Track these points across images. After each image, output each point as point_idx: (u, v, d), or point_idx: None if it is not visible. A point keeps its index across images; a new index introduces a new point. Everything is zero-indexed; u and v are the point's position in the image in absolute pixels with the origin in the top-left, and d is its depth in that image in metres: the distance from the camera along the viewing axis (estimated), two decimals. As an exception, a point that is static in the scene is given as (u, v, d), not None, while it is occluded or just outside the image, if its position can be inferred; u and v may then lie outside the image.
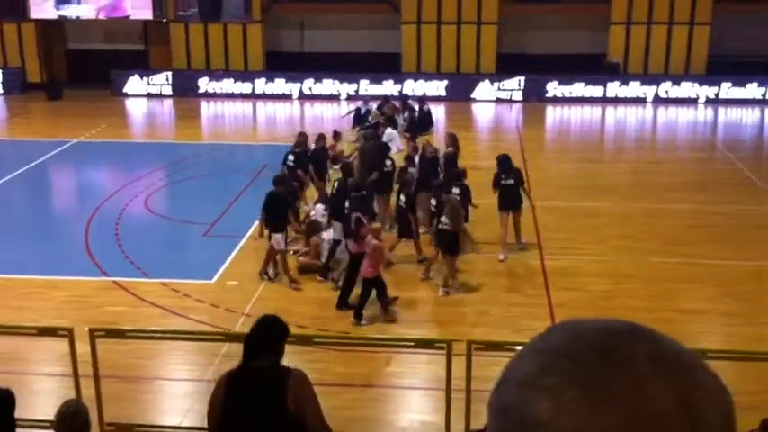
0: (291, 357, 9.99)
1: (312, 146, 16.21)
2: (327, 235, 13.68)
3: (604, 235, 14.95)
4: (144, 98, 27.32)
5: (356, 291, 11.99)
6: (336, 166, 16.19)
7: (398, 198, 13.84)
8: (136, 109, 26.76)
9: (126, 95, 27.35)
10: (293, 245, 14.18)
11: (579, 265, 13.71)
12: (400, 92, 25.64)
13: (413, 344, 9.20)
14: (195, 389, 10.26)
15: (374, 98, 24.19)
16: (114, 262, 13.81)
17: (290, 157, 15.76)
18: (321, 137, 16.32)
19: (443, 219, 12.53)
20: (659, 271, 13.37)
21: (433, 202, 13.61)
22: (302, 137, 16.26)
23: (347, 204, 12.89)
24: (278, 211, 13.08)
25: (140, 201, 17.07)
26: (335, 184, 14.08)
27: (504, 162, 14.07)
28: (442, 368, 8.55)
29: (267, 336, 5.23)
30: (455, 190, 13.65)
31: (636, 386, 0.87)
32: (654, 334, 0.95)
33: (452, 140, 15.84)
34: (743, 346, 10.75)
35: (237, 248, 14.37)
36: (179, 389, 10.45)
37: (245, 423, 5.12)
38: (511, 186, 13.89)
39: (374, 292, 11.69)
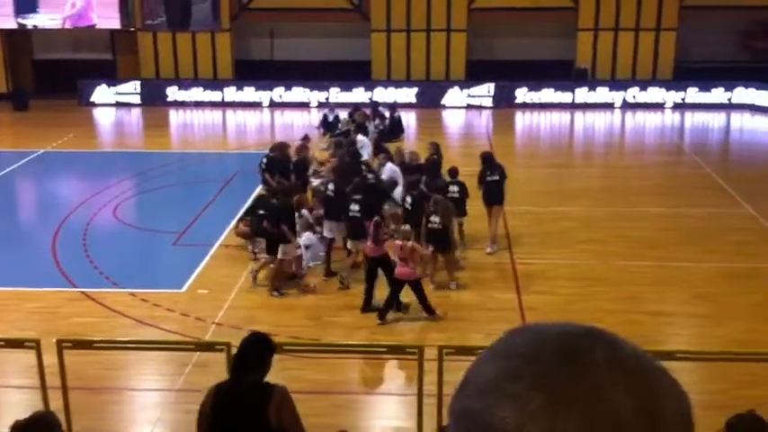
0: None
1: (294, 157, 16.17)
2: (299, 243, 13.61)
3: (574, 239, 15.04)
4: (112, 107, 27.11)
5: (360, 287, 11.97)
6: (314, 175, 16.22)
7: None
8: (104, 118, 26.54)
9: (93, 105, 27.12)
10: (264, 253, 14.11)
11: (550, 269, 13.77)
12: (371, 99, 25.67)
13: (384, 350, 9.19)
14: (165, 399, 10.17)
15: (341, 105, 24.21)
16: (83, 272, 13.66)
17: (264, 160, 15.84)
18: (304, 147, 16.35)
19: (433, 218, 12.56)
20: (629, 274, 13.47)
21: (409, 199, 13.59)
22: (281, 146, 16.17)
23: (350, 206, 13.10)
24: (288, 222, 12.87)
25: (109, 210, 16.91)
26: (331, 186, 13.98)
27: (488, 159, 14.70)
28: (413, 373, 8.55)
29: (254, 352, 5.58)
30: (453, 188, 13.98)
31: (596, 392, 0.87)
32: (614, 339, 0.95)
33: (436, 148, 15.95)
34: (712, 347, 10.85)
35: (208, 257, 14.28)
36: (149, 399, 10.34)
37: None
38: (496, 182, 14.37)
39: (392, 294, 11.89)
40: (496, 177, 14.39)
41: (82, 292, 12.89)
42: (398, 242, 11.85)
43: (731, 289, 12.90)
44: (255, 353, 5.61)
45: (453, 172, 14.46)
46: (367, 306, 12.08)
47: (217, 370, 9.25)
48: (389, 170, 15.37)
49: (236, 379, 5.56)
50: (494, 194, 14.29)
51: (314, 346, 10.64)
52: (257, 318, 11.95)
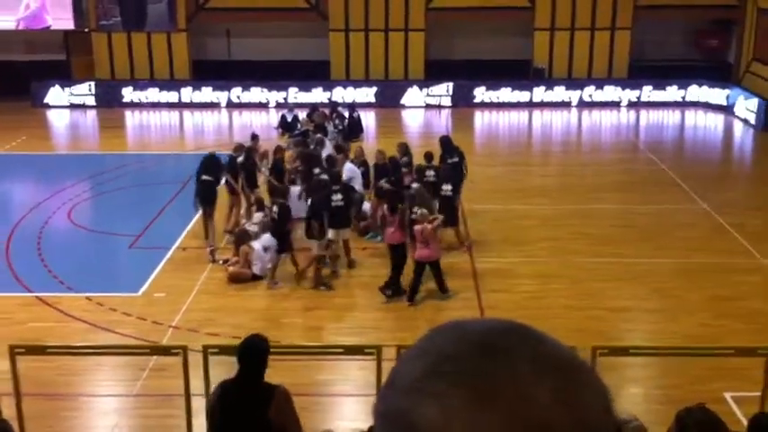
0: (218, 368, 9.86)
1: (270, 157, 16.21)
2: (258, 244, 13.52)
3: (533, 237, 15.14)
4: (66, 109, 26.68)
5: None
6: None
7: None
8: (58, 120, 26.11)
9: (47, 106, 26.67)
10: (223, 255, 14.00)
11: (509, 267, 13.84)
12: (329, 99, 25.60)
13: (342, 350, 9.15)
14: (122, 404, 10.03)
15: (299, 105, 24.11)
16: (37, 277, 13.43)
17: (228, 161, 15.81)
18: (279, 148, 16.39)
19: (416, 209, 12.53)
20: (586, 271, 13.60)
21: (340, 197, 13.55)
22: (240, 148, 15.95)
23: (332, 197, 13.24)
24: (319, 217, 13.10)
25: (63, 213, 16.64)
26: (324, 176, 13.98)
27: (446, 143, 15.71)
28: (372, 374, 8.52)
29: (256, 352, 5.94)
30: (429, 172, 14.36)
31: (518, 387, 0.87)
32: (537, 334, 0.94)
33: (405, 149, 16.00)
34: (668, 342, 11.01)
35: (165, 260, 14.11)
36: (105, 405, 10.18)
37: (233, 430, 5.87)
38: (456, 164, 15.04)
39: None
40: (456, 159, 15.07)
41: (37, 297, 12.67)
42: (419, 226, 12.13)
43: (686, 284, 13.08)
44: (257, 353, 5.93)
45: (429, 156, 14.84)
46: (393, 289, 12.48)
47: (174, 374, 9.14)
48: (348, 170, 15.39)
49: (240, 378, 5.90)
50: (455, 177, 14.71)
51: (272, 348, 10.56)
52: (215, 320, 11.85)
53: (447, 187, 13.98)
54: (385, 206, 13.35)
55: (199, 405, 8.63)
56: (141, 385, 10.10)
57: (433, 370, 0.89)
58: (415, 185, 13.78)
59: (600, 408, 0.91)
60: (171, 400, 9.53)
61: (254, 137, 17.81)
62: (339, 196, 13.29)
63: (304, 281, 13.21)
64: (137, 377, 10.19)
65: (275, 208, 13.54)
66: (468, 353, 0.90)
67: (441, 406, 0.86)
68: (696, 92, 26.38)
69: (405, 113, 26.29)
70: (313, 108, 22.66)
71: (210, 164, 14.98)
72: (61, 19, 26.84)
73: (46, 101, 26.76)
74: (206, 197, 14.49)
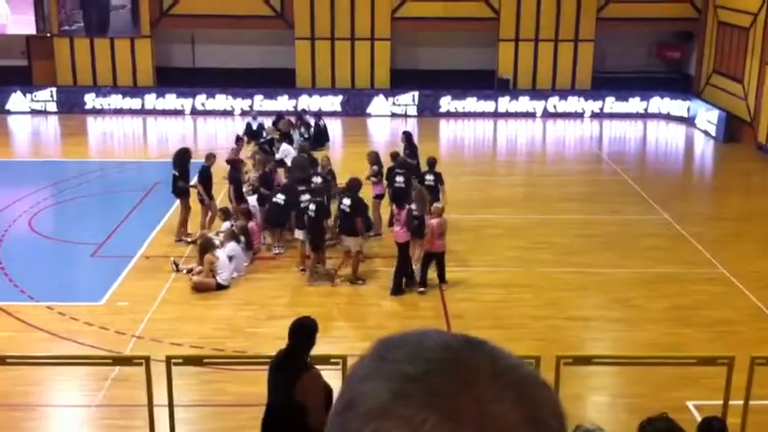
0: (185, 378, 9.78)
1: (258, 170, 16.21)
2: (222, 253, 13.43)
3: (498, 246, 15.22)
4: (27, 115, 26.30)
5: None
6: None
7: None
8: (18, 126, 25.70)
9: (8, 112, 26.26)
10: (187, 264, 13.89)
11: (474, 276, 13.90)
12: (295, 107, 25.54)
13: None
14: (84, 414, 9.89)
15: (265, 113, 24.01)
16: (-4, 286, 13.20)
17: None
18: (269, 160, 16.43)
19: (412, 206, 13.26)
20: (550, 280, 13.70)
21: (347, 201, 13.61)
22: (211, 157, 15.78)
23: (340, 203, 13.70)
24: (361, 213, 13.44)
25: (24, 221, 16.38)
26: (347, 201, 13.80)
27: (410, 137, 17.39)
28: (338, 384, 8.49)
29: (299, 330, 6.75)
30: (429, 176, 15.17)
31: (484, 406, 0.88)
32: (493, 349, 0.95)
33: (376, 158, 16.01)
34: (629, 351, 11.12)
35: (128, 268, 13.95)
36: (67, 415, 10.03)
37: (271, 396, 6.98)
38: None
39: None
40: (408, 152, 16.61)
41: (-5, 307, 12.44)
42: (435, 220, 12.78)
43: (648, 293, 13.23)
44: (302, 331, 6.75)
45: (432, 163, 15.55)
46: (400, 287, 12.98)
47: (137, 384, 9.04)
48: (284, 150, 16.15)
49: (286, 350, 6.85)
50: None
51: (237, 358, 10.50)
52: (179, 330, 11.74)
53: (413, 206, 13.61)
54: (394, 205, 13.83)
55: (161, 415, 8.55)
56: (104, 395, 9.97)
57: (400, 392, 0.88)
58: (416, 185, 14.48)
59: (558, 422, 0.93)
60: (134, 411, 9.43)
61: (239, 139, 18.04)
62: (348, 202, 13.38)
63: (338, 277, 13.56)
64: (99, 387, 10.06)
65: (312, 206, 13.49)
66: (433, 374, 0.90)
67: (411, 429, 0.86)
68: (658, 103, 26.76)
69: (371, 122, 26.32)
70: (278, 116, 22.60)
71: (177, 159, 15.42)
72: (23, 24, 26.48)
73: (7, 107, 26.37)
74: (172, 191, 15.39)
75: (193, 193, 15.47)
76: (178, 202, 15.57)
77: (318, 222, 13.45)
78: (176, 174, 15.25)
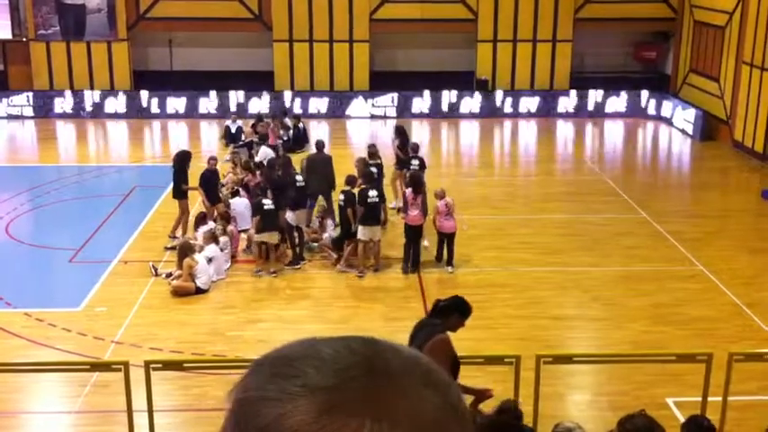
0: (165, 383, 9.71)
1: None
2: (201, 257, 13.37)
3: (479, 246, 15.24)
4: (3, 120, 26.06)
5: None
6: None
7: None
8: (-5, 132, 25.47)
9: (-16, 118, 26.02)
10: (166, 268, 13.81)
11: (455, 277, 13.92)
12: (275, 109, 25.47)
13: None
14: (64, 421, 9.80)
15: (241, 116, 23.90)
16: (-27, 293, 13.06)
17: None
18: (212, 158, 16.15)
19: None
20: (531, 280, 13.74)
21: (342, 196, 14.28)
22: (212, 160, 15.73)
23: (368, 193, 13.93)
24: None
25: (1, 227, 16.23)
26: (373, 192, 14.16)
27: (403, 131, 17.84)
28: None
29: (444, 306, 7.41)
30: (414, 161, 16.14)
31: (411, 400, 0.88)
32: (390, 344, 0.95)
33: (365, 164, 15.99)
34: (610, 350, 11.17)
35: (106, 273, 13.84)
36: (45, 422, 9.93)
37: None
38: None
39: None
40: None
41: (-28, 314, 12.31)
42: (441, 201, 13.77)
43: (628, 292, 13.30)
44: (444, 307, 7.39)
45: (416, 148, 16.85)
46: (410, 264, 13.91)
47: (117, 390, 8.97)
48: (263, 152, 16.84)
49: (426, 317, 7.61)
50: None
51: (217, 362, 10.44)
52: (158, 335, 11.67)
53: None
54: (409, 190, 14.10)
55: (141, 421, 8.49)
56: (83, 402, 9.88)
57: (324, 406, 0.85)
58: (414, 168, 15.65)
59: (464, 405, 0.95)
60: (113, 417, 9.36)
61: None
62: (375, 192, 13.83)
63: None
64: (78, 394, 9.97)
65: (342, 195, 14.12)
66: (348, 379, 0.88)
67: None
68: (635, 103, 26.92)
69: (350, 124, 26.29)
70: (257, 119, 22.52)
71: (177, 161, 15.53)
72: (-2, 28, 26.26)
73: (-18, 112, 26.11)
74: (173, 193, 15.55)
75: (194, 195, 15.46)
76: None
77: (344, 213, 14.11)
78: (176, 175, 15.30)
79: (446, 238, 14.02)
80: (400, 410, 0.87)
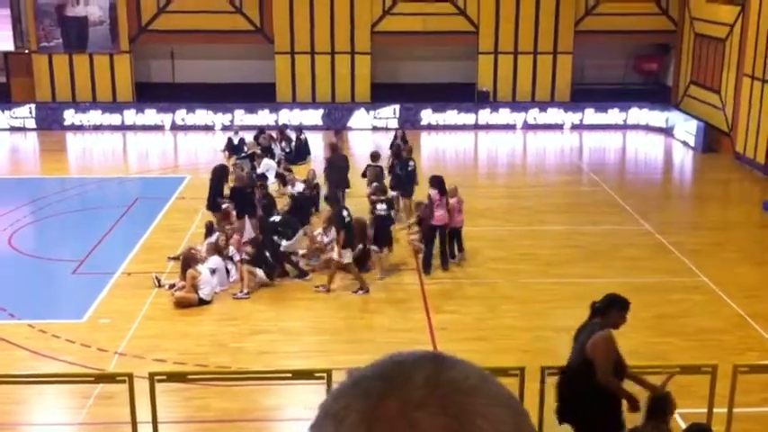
0: (169, 395, 9.70)
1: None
2: (205, 269, 13.37)
3: (481, 258, 15.25)
4: (6, 132, 26.11)
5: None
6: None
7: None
8: (-3, 143, 25.51)
9: (-14, 129, 26.07)
10: (169, 279, 13.80)
11: (458, 288, 13.92)
12: (276, 122, 25.52)
13: (291, 375, 9.07)
14: (66, 434, 9.78)
15: (245, 127, 23.93)
16: (-24, 304, 13.05)
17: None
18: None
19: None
20: (534, 291, 13.73)
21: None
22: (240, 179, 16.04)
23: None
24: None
25: (4, 239, 16.24)
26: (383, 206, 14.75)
27: (375, 156, 17.62)
28: (322, 398, 8.45)
29: (603, 303, 7.61)
30: (411, 163, 17.12)
31: (404, 410, 0.89)
32: (448, 361, 0.96)
33: (377, 175, 16.26)
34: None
35: (109, 285, 13.85)
36: (49, 435, 9.91)
37: (570, 357, 7.85)
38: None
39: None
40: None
41: (-25, 325, 12.30)
42: (453, 198, 14.48)
43: (631, 303, 13.24)
44: (600, 307, 7.60)
45: (410, 150, 17.91)
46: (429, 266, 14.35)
47: (121, 401, 8.96)
48: (265, 164, 16.92)
49: (587, 320, 7.77)
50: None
51: (220, 374, 10.44)
52: (161, 346, 11.66)
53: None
54: (435, 191, 14.36)
55: (146, 433, 8.47)
56: (87, 413, 9.87)
57: (337, 393, 0.95)
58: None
59: (528, 418, 0.95)
60: (117, 429, 9.34)
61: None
62: (383, 206, 14.49)
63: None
64: (82, 405, 9.96)
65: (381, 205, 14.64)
66: (367, 378, 0.94)
67: (335, 426, 0.91)
68: (636, 114, 26.97)
69: (352, 136, 26.31)
70: (259, 130, 22.57)
71: (214, 176, 15.94)
72: (0, 40, 26.34)
73: (-16, 124, 26.17)
74: (207, 206, 15.82)
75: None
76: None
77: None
78: (212, 189, 15.69)
79: (456, 233, 14.74)
80: (388, 416, 0.89)
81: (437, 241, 14.53)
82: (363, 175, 17.40)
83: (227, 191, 16.00)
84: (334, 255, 13.65)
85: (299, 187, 16.40)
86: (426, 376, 0.92)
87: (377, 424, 0.88)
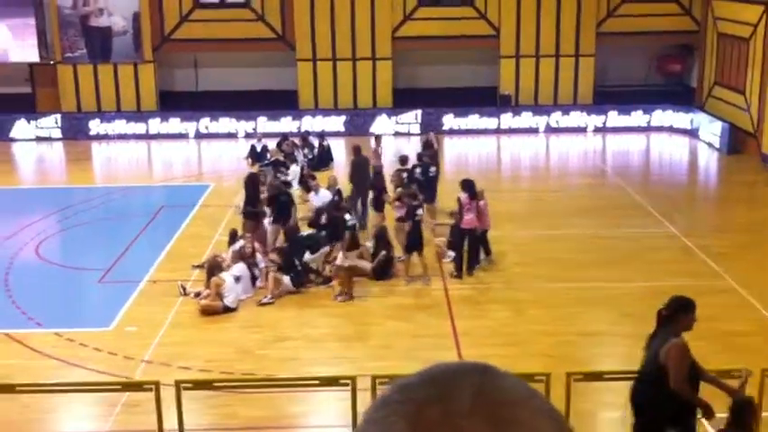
0: (195, 402, 9.76)
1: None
2: (229, 276, 13.44)
3: (505, 263, 15.21)
4: (32, 142, 26.42)
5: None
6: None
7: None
8: (24, 154, 25.81)
9: (13, 140, 26.38)
10: (195, 287, 13.89)
11: (481, 293, 13.89)
12: (299, 128, 25.62)
13: (317, 382, 9.10)
14: (94, 442, 9.86)
15: (268, 135, 24.07)
16: (5, 313, 13.22)
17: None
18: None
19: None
20: (559, 296, 13.67)
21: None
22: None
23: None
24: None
25: (31, 248, 16.42)
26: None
27: (403, 160, 17.71)
28: (348, 405, 8.48)
29: (666, 315, 7.55)
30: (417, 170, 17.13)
31: (454, 420, 0.89)
32: (495, 372, 0.96)
33: (400, 180, 16.34)
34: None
35: (135, 293, 13.96)
36: (77, 443, 10.01)
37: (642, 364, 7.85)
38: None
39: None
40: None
41: (5, 334, 12.45)
42: (482, 201, 14.78)
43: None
44: (670, 310, 7.55)
45: (404, 159, 17.71)
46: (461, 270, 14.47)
47: (148, 409, 9.04)
48: (323, 196, 16.30)
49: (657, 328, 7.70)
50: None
51: (246, 381, 10.49)
52: (187, 353, 11.73)
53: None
54: (465, 194, 14.54)
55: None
56: (114, 421, 9.95)
57: (383, 400, 0.94)
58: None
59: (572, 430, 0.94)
60: (144, 437, 9.41)
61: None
62: (421, 211, 14.71)
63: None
64: (109, 413, 10.04)
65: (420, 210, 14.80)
66: (415, 385, 0.94)
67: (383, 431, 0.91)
68: (660, 116, 26.77)
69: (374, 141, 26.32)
70: (282, 137, 22.66)
71: (247, 184, 15.58)
72: (26, 51, 26.67)
73: (11, 135, 26.49)
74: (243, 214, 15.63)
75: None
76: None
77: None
78: (248, 197, 15.55)
79: (483, 235, 14.86)
80: (436, 426, 0.88)
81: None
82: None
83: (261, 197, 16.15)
84: (338, 260, 13.79)
85: (323, 194, 16.44)
86: (472, 385, 0.92)
87: (422, 430, 0.89)
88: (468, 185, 14.74)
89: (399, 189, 15.77)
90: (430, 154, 18.41)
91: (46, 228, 17.73)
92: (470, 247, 14.60)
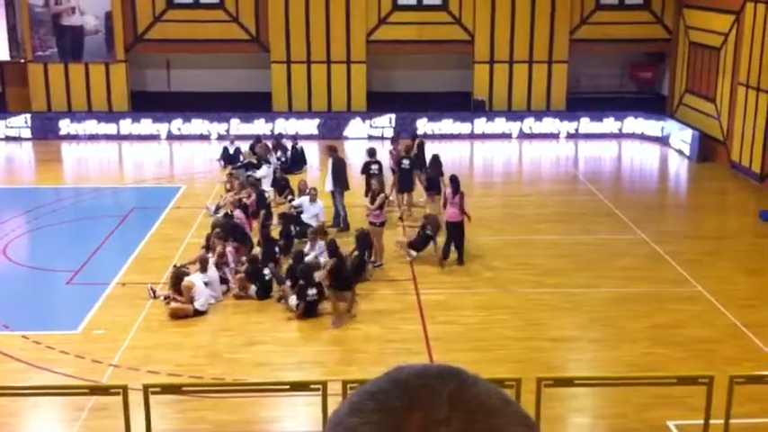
0: (163, 407, 9.67)
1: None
2: (198, 279, 13.32)
3: (476, 267, 15.24)
4: (1, 141, 26.07)
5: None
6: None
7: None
8: (-8, 153, 25.47)
9: (-19, 139, 26.03)
10: (164, 290, 13.76)
11: (454, 298, 13.90)
12: (272, 131, 25.52)
13: (288, 387, 9.05)
14: (60, 446, 9.73)
15: (240, 137, 23.94)
16: (-30, 315, 13.01)
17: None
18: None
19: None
20: (529, 301, 13.72)
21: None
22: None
23: None
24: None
25: (-2, 249, 16.21)
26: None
27: (372, 152, 18.88)
28: (318, 410, 8.44)
29: None
30: (405, 161, 18.44)
31: (430, 427, 0.88)
32: (469, 377, 0.96)
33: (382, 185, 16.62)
34: (609, 371, 11.14)
35: (104, 296, 13.81)
36: (42, 447, 9.87)
37: None
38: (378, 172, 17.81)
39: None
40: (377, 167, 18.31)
41: (-31, 337, 12.26)
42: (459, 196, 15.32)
43: (626, 313, 13.28)
44: None
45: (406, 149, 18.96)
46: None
47: (115, 413, 8.93)
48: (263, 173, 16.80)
49: None
50: (405, 181, 18.52)
51: (215, 385, 10.40)
52: (156, 357, 11.62)
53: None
54: (448, 189, 15.49)
55: (140, 446, 8.43)
56: (81, 426, 9.82)
57: (354, 407, 0.92)
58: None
59: None
60: (111, 442, 9.29)
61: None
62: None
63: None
64: (76, 417, 9.92)
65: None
66: (390, 392, 0.92)
67: None
68: (632, 123, 27.00)
69: (348, 145, 26.31)
70: (256, 140, 22.56)
71: None
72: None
73: (-20, 133, 26.12)
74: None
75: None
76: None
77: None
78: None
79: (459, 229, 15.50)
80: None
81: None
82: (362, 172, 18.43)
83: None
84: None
85: (301, 200, 16.72)
86: (450, 392, 0.91)
87: None
88: (451, 181, 15.75)
89: (382, 195, 15.72)
90: (404, 148, 19.31)
91: (14, 228, 17.49)
92: (454, 239, 15.25)
